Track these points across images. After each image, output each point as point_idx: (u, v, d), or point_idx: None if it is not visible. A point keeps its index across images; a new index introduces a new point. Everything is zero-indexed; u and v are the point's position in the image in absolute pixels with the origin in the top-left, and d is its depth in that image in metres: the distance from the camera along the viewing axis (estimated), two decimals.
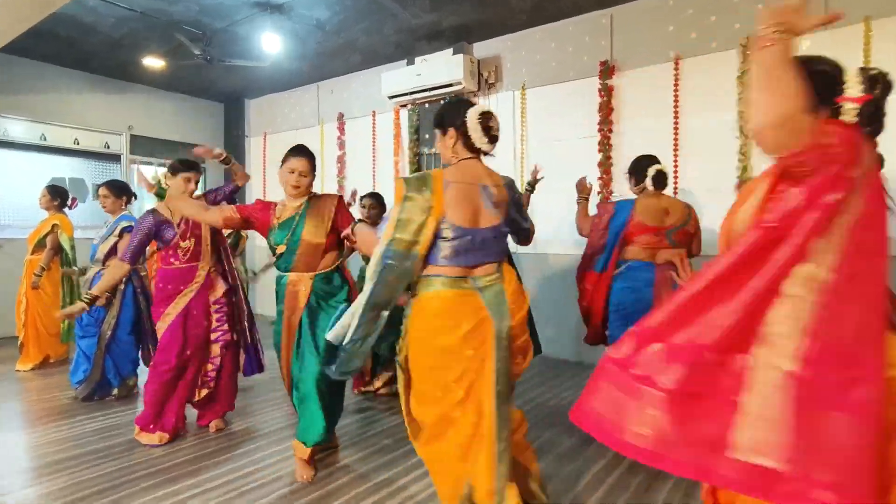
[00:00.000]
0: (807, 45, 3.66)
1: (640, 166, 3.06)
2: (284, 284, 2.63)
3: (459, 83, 5.17)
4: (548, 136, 4.97)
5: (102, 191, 3.78)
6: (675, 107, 4.29)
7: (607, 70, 4.59)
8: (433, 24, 5.03)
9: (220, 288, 3.11)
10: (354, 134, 6.46)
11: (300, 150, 2.66)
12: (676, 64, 4.28)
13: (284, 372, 2.71)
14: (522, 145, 5.13)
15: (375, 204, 4.02)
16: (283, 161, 2.68)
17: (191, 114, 7.54)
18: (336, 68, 6.33)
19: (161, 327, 3.10)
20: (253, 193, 7.51)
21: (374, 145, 6.26)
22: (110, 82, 6.67)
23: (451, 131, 2.03)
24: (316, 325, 2.54)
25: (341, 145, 6.55)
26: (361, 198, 4.14)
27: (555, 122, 4.93)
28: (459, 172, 1.99)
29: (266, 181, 7.45)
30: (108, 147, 6.79)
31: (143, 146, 7.08)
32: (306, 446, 2.50)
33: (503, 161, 5.19)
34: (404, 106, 5.93)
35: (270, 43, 4.99)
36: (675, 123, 4.29)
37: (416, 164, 5.73)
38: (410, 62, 5.72)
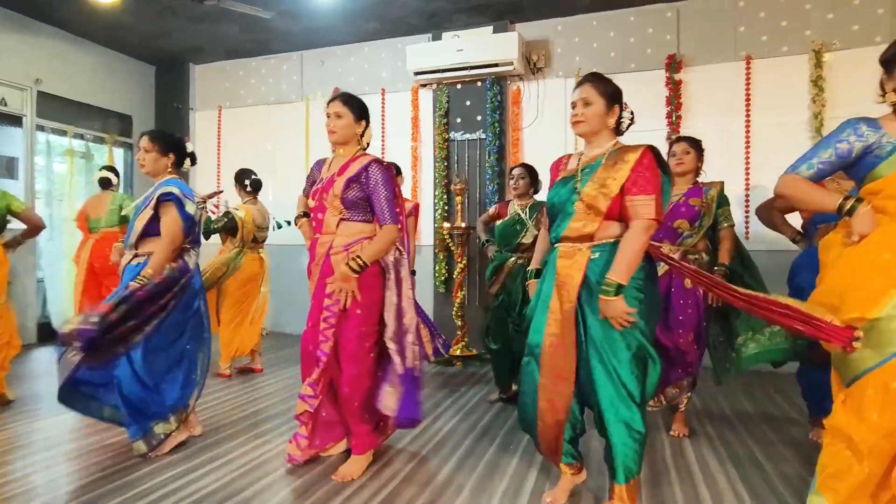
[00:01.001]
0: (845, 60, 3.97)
1: None
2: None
3: (510, 63, 4.73)
4: None
5: (144, 142, 2.65)
6: (748, 105, 4.37)
7: (675, 64, 4.54)
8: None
9: None
10: None
11: None
12: (748, 63, 4.37)
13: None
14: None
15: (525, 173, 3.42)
16: None
17: (118, 75, 5.97)
18: (334, 36, 5.45)
19: None
20: (205, 178, 6.17)
21: (382, 128, 5.50)
22: (14, 18, 4.98)
23: None
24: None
25: None
26: (511, 169, 3.54)
27: None
28: None
29: (221, 164, 6.16)
30: (6, 104, 5.03)
31: (53, 109, 5.39)
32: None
33: (552, 153, 4.86)
34: (424, 86, 5.29)
35: None
36: (747, 121, 4.37)
37: (446, 150, 5.11)
38: (436, 37, 5.13)
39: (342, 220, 2.25)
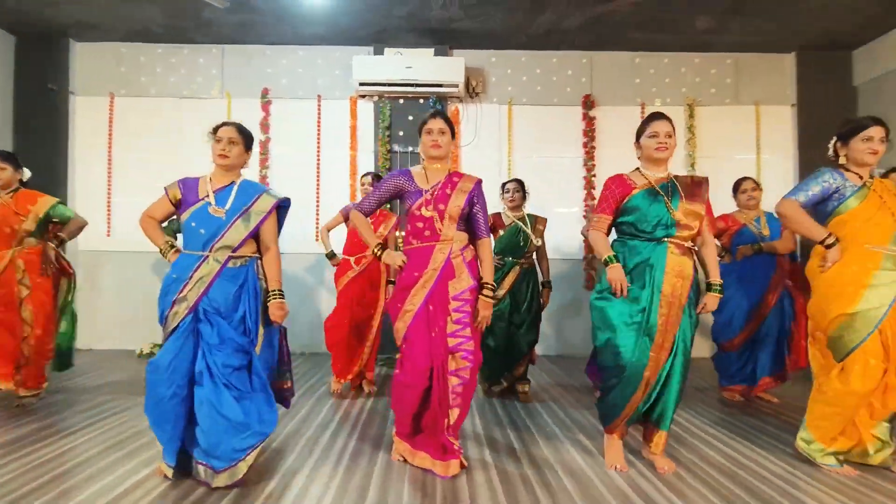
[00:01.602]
0: (708, 114, 5.31)
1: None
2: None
3: (455, 86, 5.14)
4: (531, 151, 5.44)
5: (231, 132, 2.41)
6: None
7: (589, 102, 5.42)
8: (415, 18, 4.83)
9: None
10: (284, 118, 5.45)
11: None
12: (642, 108, 5.45)
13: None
14: (509, 157, 5.44)
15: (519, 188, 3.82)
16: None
17: None
18: (265, 34, 5.26)
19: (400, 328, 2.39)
20: (92, 173, 5.36)
21: (318, 135, 5.44)
22: None
23: None
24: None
25: (264, 128, 5.42)
26: (505, 184, 3.90)
27: (539, 139, 5.45)
28: None
29: (112, 158, 5.42)
30: None
31: None
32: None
33: (489, 171, 5.40)
34: (364, 97, 5.41)
35: None
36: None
37: (389, 161, 5.29)
38: (378, 51, 5.32)
39: (457, 229, 2.44)
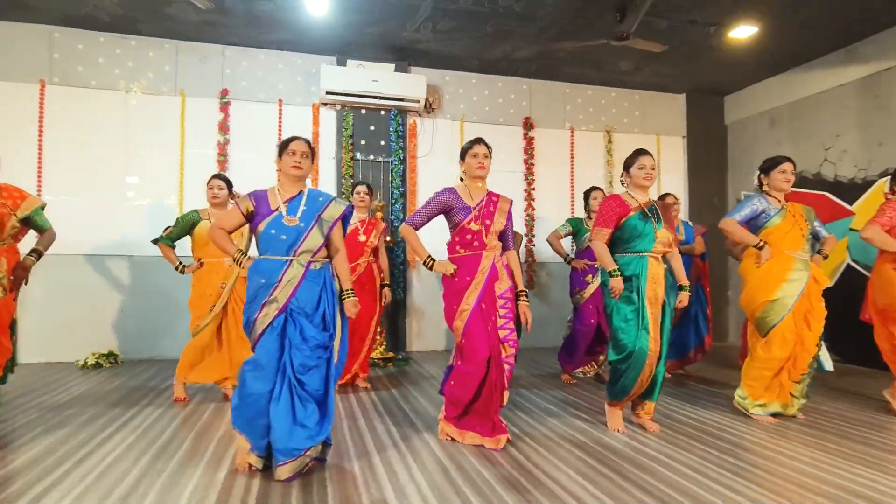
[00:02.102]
0: (621, 139, 6.38)
1: None
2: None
3: (417, 101, 5.56)
4: None
5: (303, 146, 2.60)
6: (572, 162, 6.30)
7: (529, 124, 6.16)
8: (383, 36, 5.17)
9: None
10: (243, 121, 5.42)
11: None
12: (572, 132, 6.32)
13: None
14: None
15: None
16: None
17: None
18: (224, 35, 5.21)
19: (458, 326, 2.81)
20: (23, 164, 4.87)
21: (280, 140, 5.47)
22: None
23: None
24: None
25: (224, 129, 5.34)
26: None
27: None
28: None
29: (43, 150, 4.97)
30: None
31: None
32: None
33: (443, 182, 5.89)
34: (326, 104, 5.59)
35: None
36: (572, 173, 6.30)
37: (352, 168, 5.53)
38: (341, 62, 5.55)
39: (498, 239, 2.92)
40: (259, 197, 2.56)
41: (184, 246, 3.88)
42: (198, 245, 3.74)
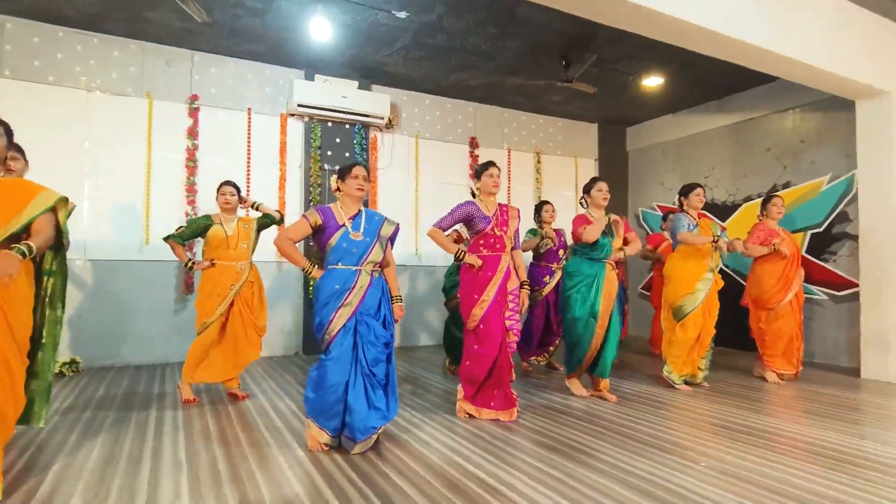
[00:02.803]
0: (547, 160, 7.43)
1: None
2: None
3: (381, 118, 6.04)
4: (432, 177, 6.66)
5: (363, 172, 3.05)
6: (509, 179, 7.18)
7: (474, 143, 6.92)
8: (336, 51, 5.45)
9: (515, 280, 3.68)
10: (212, 127, 5.50)
11: None
12: (509, 153, 7.19)
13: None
14: (416, 181, 6.55)
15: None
16: None
17: None
18: (192, 40, 5.26)
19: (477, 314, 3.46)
20: None
21: (249, 147, 5.64)
22: None
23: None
24: None
25: (193, 134, 5.38)
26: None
27: (438, 168, 6.70)
28: None
29: None
30: None
31: None
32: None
33: (401, 191, 6.46)
34: (293, 115, 5.84)
35: (320, 29, 4.68)
36: (509, 189, 7.17)
37: (320, 177, 5.85)
38: (309, 77, 5.86)
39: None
40: (326, 212, 2.96)
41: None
42: (211, 248, 3.85)
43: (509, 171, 7.20)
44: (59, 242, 2.44)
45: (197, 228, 3.87)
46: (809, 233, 5.87)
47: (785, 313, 4.69)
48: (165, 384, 4.35)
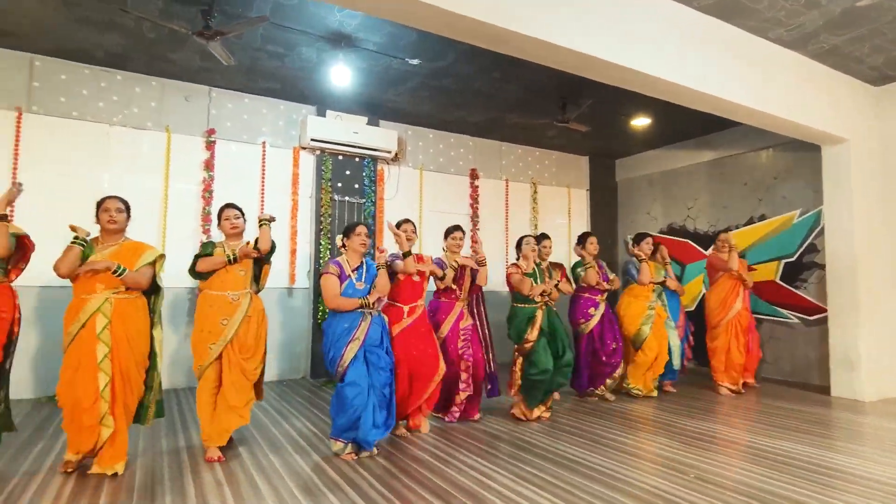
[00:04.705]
0: (543, 191, 7.83)
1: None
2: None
3: (389, 152, 6.35)
4: (436, 207, 6.96)
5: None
6: (507, 206, 7.53)
7: (475, 174, 7.27)
8: (348, 89, 5.70)
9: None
10: (227, 160, 5.73)
11: None
12: (507, 183, 7.56)
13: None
14: (420, 212, 6.86)
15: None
16: None
17: None
18: (209, 78, 5.52)
19: None
20: None
21: (263, 179, 5.88)
22: None
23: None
24: None
25: (210, 167, 5.61)
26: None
27: (441, 199, 7.01)
28: None
29: (18, 179, 4.83)
30: None
31: None
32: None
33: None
34: (305, 148, 6.11)
35: (339, 75, 4.98)
36: (506, 218, 7.52)
37: (331, 207, 6.11)
38: (321, 112, 6.15)
39: None
40: (338, 265, 3.49)
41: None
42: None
43: (507, 200, 7.56)
44: (156, 286, 3.22)
45: (210, 252, 3.43)
46: (783, 262, 6.34)
47: (724, 331, 5.39)
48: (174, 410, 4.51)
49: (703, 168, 7.35)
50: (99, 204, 3.13)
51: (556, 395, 4.91)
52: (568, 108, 5.95)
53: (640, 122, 6.68)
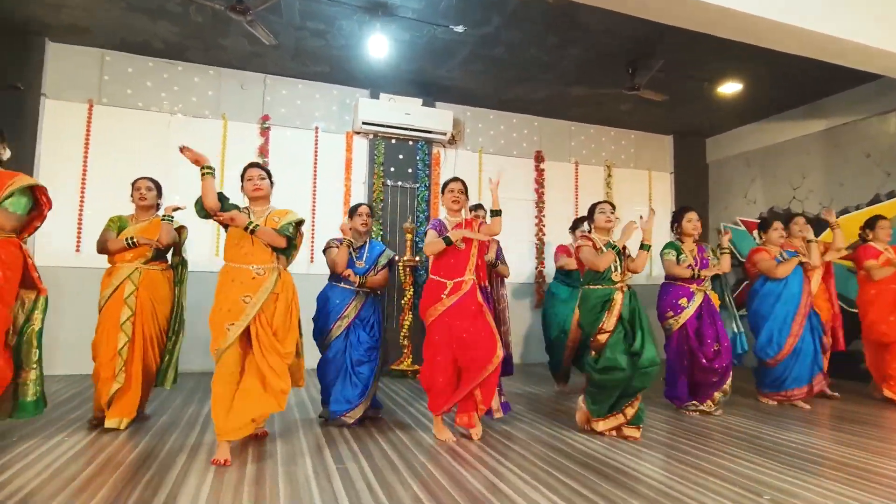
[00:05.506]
0: (618, 174, 7.08)
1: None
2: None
3: (444, 134, 6.06)
4: (498, 193, 6.54)
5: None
6: (576, 191, 6.94)
7: (540, 157, 6.77)
8: (398, 68, 5.53)
9: None
10: (281, 145, 5.76)
11: None
12: (576, 166, 6.96)
13: None
14: (479, 196, 6.48)
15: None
16: None
17: None
18: (263, 65, 5.56)
19: None
20: (65, 183, 5.02)
21: (315, 164, 5.85)
22: None
23: None
24: None
25: (264, 152, 5.66)
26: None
27: (502, 183, 6.55)
28: None
29: (88, 168, 5.15)
30: None
31: None
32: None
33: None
34: (358, 133, 5.99)
35: (378, 46, 4.83)
36: (576, 202, 6.92)
37: (383, 192, 5.94)
38: (374, 95, 5.99)
39: None
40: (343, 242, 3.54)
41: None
42: (230, 243, 2.93)
43: (576, 184, 6.96)
44: (182, 258, 3.66)
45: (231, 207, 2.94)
46: None
47: None
48: None
49: (813, 140, 6.26)
50: (133, 184, 3.61)
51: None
52: (638, 74, 5.28)
53: (729, 88, 5.81)
